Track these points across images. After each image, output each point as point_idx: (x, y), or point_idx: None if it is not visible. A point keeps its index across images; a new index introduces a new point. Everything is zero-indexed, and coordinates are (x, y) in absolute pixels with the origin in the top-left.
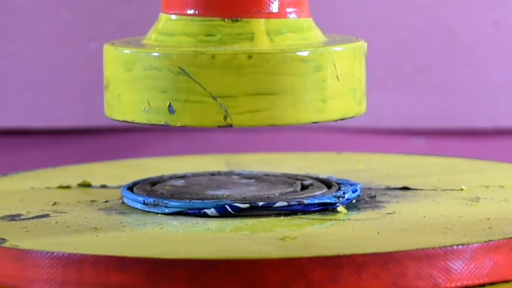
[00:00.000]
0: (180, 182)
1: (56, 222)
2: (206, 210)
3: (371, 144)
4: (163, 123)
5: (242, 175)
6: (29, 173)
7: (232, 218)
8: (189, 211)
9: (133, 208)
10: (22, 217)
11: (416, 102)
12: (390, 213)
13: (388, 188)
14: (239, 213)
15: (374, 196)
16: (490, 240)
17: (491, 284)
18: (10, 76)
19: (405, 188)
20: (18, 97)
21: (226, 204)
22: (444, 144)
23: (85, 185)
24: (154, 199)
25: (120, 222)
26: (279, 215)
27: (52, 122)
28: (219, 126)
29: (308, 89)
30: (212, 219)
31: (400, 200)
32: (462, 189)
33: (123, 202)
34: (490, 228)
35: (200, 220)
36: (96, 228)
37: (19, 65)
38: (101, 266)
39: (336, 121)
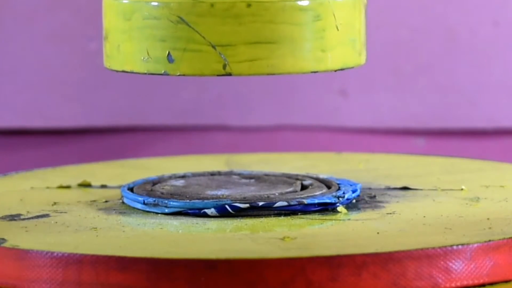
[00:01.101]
0: (180, 182)
1: (56, 222)
2: (206, 210)
3: (371, 144)
4: (162, 72)
5: (242, 175)
6: (29, 173)
7: (232, 218)
8: (189, 211)
9: (133, 208)
10: (22, 217)
11: (416, 102)
12: (390, 213)
13: (388, 188)
14: (239, 213)
15: (374, 196)
16: (490, 240)
17: (491, 284)
18: (10, 76)
19: (405, 188)
20: (18, 97)
21: (226, 204)
22: (444, 144)
23: (85, 185)
24: (154, 199)
25: (120, 222)
26: (279, 215)
27: (52, 122)
28: (218, 75)
29: (307, 38)
30: (212, 219)
31: (400, 200)
32: (462, 189)
33: (123, 202)
34: (490, 228)
35: (200, 220)
36: (96, 228)
37: (19, 65)
38: (101, 266)
39: (335, 71)
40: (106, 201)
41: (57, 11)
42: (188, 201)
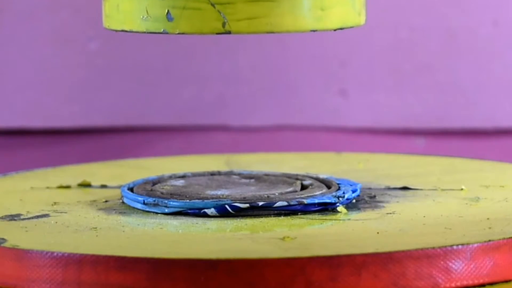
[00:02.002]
0: (180, 182)
1: (56, 222)
2: (206, 210)
3: (371, 144)
4: (161, 30)
5: (242, 175)
6: (29, 173)
7: (232, 218)
8: (189, 211)
9: (133, 208)
10: (22, 217)
11: (416, 102)
12: (390, 213)
13: (388, 188)
14: (239, 213)
15: (374, 196)
16: (490, 240)
17: (491, 284)
18: (10, 76)
19: (405, 188)
20: (18, 97)
21: (226, 204)
22: (444, 144)
23: (85, 185)
24: (154, 199)
25: (120, 222)
26: (279, 215)
27: (52, 122)
28: (217, 33)
29: None
30: (212, 219)
31: (400, 200)
32: (462, 189)
33: (123, 202)
34: (490, 228)
35: (200, 220)
36: (96, 228)
37: (19, 65)
38: (101, 266)
39: (335, 30)
40: (106, 201)
41: (57, 11)
42: (188, 201)
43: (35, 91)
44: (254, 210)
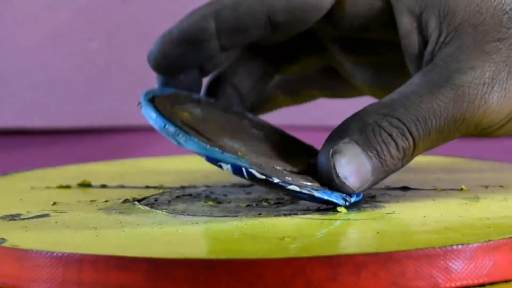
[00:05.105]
0: (198, 112)
1: (56, 222)
2: (222, 164)
3: None
4: None
5: (252, 123)
6: (29, 173)
7: (232, 218)
8: (205, 157)
9: (133, 207)
10: (22, 217)
11: None
12: (390, 213)
13: (388, 188)
14: (251, 180)
15: (374, 196)
16: (490, 240)
17: (491, 284)
18: (10, 76)
19: (405, 188)
20: (18, 97)
21: (243, 166)
22: (444, 144)
23: (85, 185)
24: (175, 128)
25: (120, 222)
26: (279, 215)
27: (52, 122)
28: None
29: None
30: (212, 218)
31: (400, 200)
32: (462, 189)
33: (140, 107)
34: (490, 228)
35: (200, 220)
36: (96, 228)
37: (19, 65)
38: (101, 266)
39: None
40: (106, 201)
41: (57, 11)
42: (208, 146)
43: (35, 91)
44: (267, 184)
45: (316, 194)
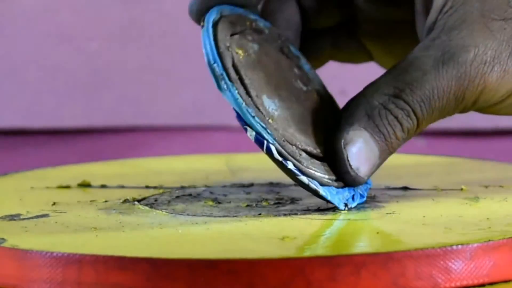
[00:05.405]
0: (254, 49)
1: (56, 222)
2: (248, 129)
3: None
4: None
5: (301, 72)
6: (29, 173)
7: (232, 217)
8: (237, 114)
9: (133, 207)
10: (22, 217)
11: None
12: (390, 213)
13: (388, 188)
14: (268, 155)
15: (374, 196)
16: (490, 240)
17: (491, 284)
18: (10, 76)
19: (405, 188)
20: (18, 97)
21: (266, 140)
22: (444, 144)
23: (85, 185)
24: (222, 71)
25: (120, 222)
26: (278, 215)
27: (52, 122)
28: None
29: None
30: (212, 218)
31: (400, 200)
32: (462, 189)
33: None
34: (490, 228)
35: (200, 220)
36: (96, 228)
37: (19, 65)
38: (101, 266)
39: None
40: (106, 201)
41: (57, 11)
42: (243, 104)
43: (35, 91)
44: (280, 166)
45: (321, 191)
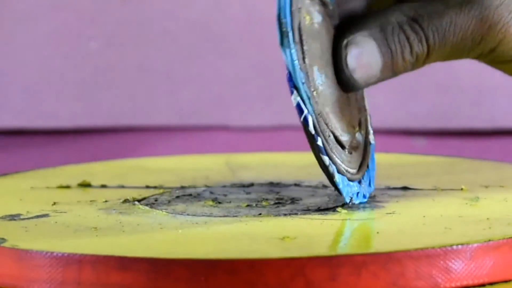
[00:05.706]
0: (318, 20)
1: (56, 222)
2: (294, 91)
3: None
4: None
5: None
6: (29, 173)
7: (232, 217)
8: (288, 75)
9: (133, 207)
10: (22, 217)
11: (416, 102)
12: (390, 213)
13: (388, 188)
14: (302, 124)
15: (374, 196)
16: (490, 240)
17: (491, 284)
18: (10, 76)
19: (405, 188)
20: (18, 97)
21: (306, 109)
22: (444, 144)
23: (85, 185)
24: (289, 28)
25: (120, 222)
26: (278, 215)
27: (52, 122)
28: None
29: None
30: (212, 218)
31: (400, 200)
32: (462, 189)
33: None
34: (490, 228)
35: (200, 220)
36: (96, 228)
37: (19, 65)
38: (101, 266)
39: None
40: (106, 201)
41: (57, 11)
42: (300, 67)
43: (35, 91)
44: (309, 139)
45: (336, 177)
